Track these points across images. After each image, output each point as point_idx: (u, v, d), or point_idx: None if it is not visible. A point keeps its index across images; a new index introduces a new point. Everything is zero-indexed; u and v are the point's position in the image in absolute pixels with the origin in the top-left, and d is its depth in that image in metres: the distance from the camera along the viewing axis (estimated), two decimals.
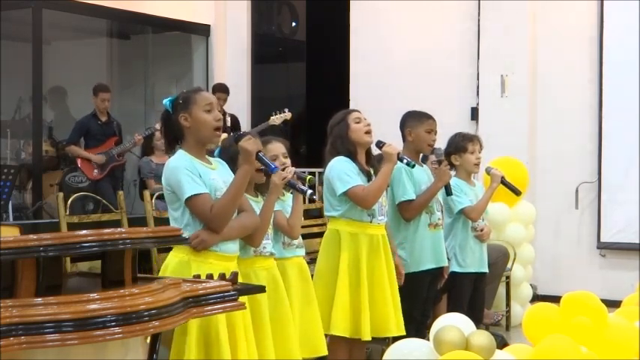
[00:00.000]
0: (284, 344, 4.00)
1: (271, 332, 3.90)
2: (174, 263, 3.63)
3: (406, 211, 5.15)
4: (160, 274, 3.62)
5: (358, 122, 4.72)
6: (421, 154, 5.34)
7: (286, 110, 8.39)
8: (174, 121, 3.68)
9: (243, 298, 3.15)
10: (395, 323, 4.70)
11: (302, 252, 4.37)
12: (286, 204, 4.28)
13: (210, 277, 3.10)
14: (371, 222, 4.71)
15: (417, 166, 5.10)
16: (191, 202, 3.57)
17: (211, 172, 3.68)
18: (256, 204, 3.97)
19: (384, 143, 4.80)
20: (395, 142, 5.14)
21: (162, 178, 3.70)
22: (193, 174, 3.58)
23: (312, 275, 4.52)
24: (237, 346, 3.58)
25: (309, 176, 4.23)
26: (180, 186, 3.57)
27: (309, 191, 4.11)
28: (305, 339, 4.23)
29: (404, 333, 4.64)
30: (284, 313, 4.03)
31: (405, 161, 4.83)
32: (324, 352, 4.39)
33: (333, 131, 4.76)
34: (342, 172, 4.64)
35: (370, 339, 4.70)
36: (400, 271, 4.94)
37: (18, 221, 7.50)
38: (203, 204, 3.57)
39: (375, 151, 4.88)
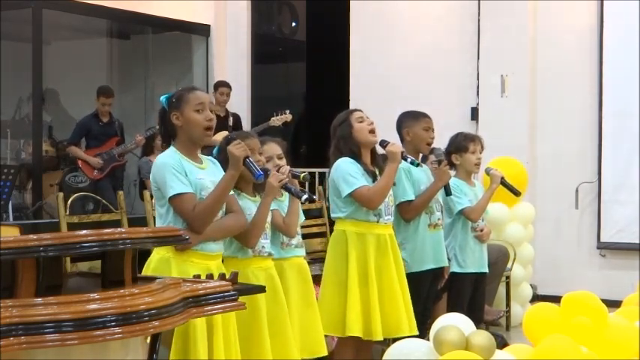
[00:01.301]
0: (281, 345, 4.00)
1: (268, 332, 3.90)
2: (156, 260, 3.64)
3: (406, 212, 5.14)
4: (143, 272, 3.61)
5: (361, 122, 4.70)
6: (420, 155, 5.33)
7: (287, 112, 8.39)
8: (168, 119, 3.70)
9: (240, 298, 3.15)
10: (407, 323, 4.68)
11: (302, 252, 4.36)
12: (284, 204, 4.27)
13: (210, 277, 3.11)
14: (378, 222, 4.71)
15: (416, 169, 5.10)
16: (174, 201, 3.58)
17: (199, 171, 3.68)
18: (254, 203, 3.97)
19: (388, 142, 4.79)
20: (395, 141, 5.14)
21: (150, 175, 3.71)
22: (179, 172, 3.59)
23: (312, 275, 4.51)
24: (213, 345, 3.56)
25: (304, 174, 4.21)
26: (164, 184, 3.59)
27: (305, 196, 4.10)
28: (304, 340, 4.23)
29: (416, 333, 4.62)
30: (281, 313, 4.03)
31: (409, 160, 4.83)
32: (324, 352, 4.37)
33: (336, 132, 4.75)
34: (346, 174, 4.63)
35: (382, 339, 4.69)
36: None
37: (18, 221, 7.49)
38: (186, 204, 3.58)
39: (380, 150, 4.88)
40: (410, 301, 4.77)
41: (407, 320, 4.69)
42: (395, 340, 4.48)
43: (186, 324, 3.39)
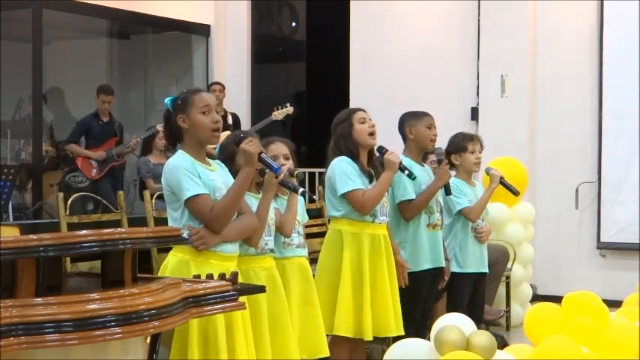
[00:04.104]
0: (282, 344, 3.99)
1: (269, 332, 3.89)
2: (174, 263, 3.63)
3: (406, 211, 5.14)
4: (160, 274, 3.61)
5: (362, 123, 4.70)
6: (422, 152, 5.33)
7: (288, 105, 8.37)
8: (173, 121, 3.68)
9: (242, 298, 3.15)
10: (395, 323, 4.70)
11: (303, 252, 4.34)
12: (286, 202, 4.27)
13: (210, 277, 3.10)
14: (373, 222, 4.71)
15: (417, 167, 5.10)
16: (191, 203, 3.56)
17: (211, 173, 3.68)
18: (257, 200, 3.96)
19: (386, 150, 4.78)
20: (395, 142, 5.14)
21: (162, 179, 3.69)
22: (193, 174, 3.58)
23: (313, 275, 4.50)
24: (235, 346, 3.57)
25: (297, 171, 4.20)
26: (180, 186, 3.57)
27: (301, 189, 4.10)
28: (306, 340, 4.22)
29: (403, 333, 4.64)
30: (282, 313, 4.02)
31: (406, 172, 4.82)
32: (326, 353, 4.36)
33: (336, 130, 4.75)
34: (343, 174, 4.64)
35: (372, 339, 4.70)
36: (403, 272, 4.94)
37: (18, 221, 7.49)
38: (203, 205, 3.56)
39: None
40: (398, 301, 4.77)
41: (395, 320, 4.70)
42: (395, 339, 4.48)
43: (205, 323, 3.40)
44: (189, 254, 3.59)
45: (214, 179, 3.66)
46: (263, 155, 3.74)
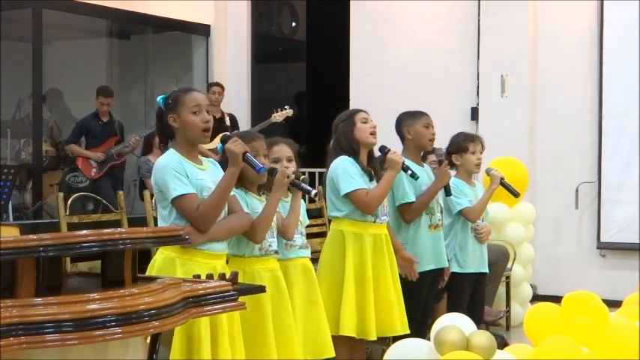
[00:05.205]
0: (286, 345, 3.99)
1: (273, 333, 3.89)
2: (160, 260, 3.63)
3: (407, 213, 5.14)
4: (147, 272, 3.62)
5: (364, 122, 4.72)
6: (421, 153, 5.33)
7: (287, 107, 8.41)
8: (165, 120, 3.69)
9: (244, 299, 3.15)
10: (400, 322, 4.70)
11: (306, 253, 4.33)
12: (289, 205, 4.26)
13: (210, 277, 3.10)
14: (374, 222, 4.72)
15: (416, 168, 5.10)
16: (177, 203, 3.58)
17: (200, 172, 3.68)
18: (261, 203, 3.96)
19: (389, 150, 4.79)
20: (395, 143, 5.14)
21: (151, 177, 3.71)
22: (180, 174, 3.58)
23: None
24: (218, 345, 3.55)
25: (303, 176, 4.21)
26: (166, 186, 3.58)
27: (314, 191, 4.10)
28: (311, 341, 4.21)
29: (408, 332, 4.65)
30: (286, 314, 4.01)
31: (409, 172, 4.83)
32: (332, 353, 4.34)
33: (338, 128, 4.76)
34: (346, 173, 4.64)
35: (376, 339, 4.70)
36: (411, 265, 4.97)
37: (18, 221, 7.50)
38: (189, 204, 3.57)
39: (376, 154, 4.88)
40: (402, 300, 4.78)
41: (400, 319, 4.71)
42: (395, 339, 4.48)
43: (189, 324, 3.40)
44: (175, 252, 3.60)
45: (203, 178, 3.66)
46: (247, 155, 3.72)
